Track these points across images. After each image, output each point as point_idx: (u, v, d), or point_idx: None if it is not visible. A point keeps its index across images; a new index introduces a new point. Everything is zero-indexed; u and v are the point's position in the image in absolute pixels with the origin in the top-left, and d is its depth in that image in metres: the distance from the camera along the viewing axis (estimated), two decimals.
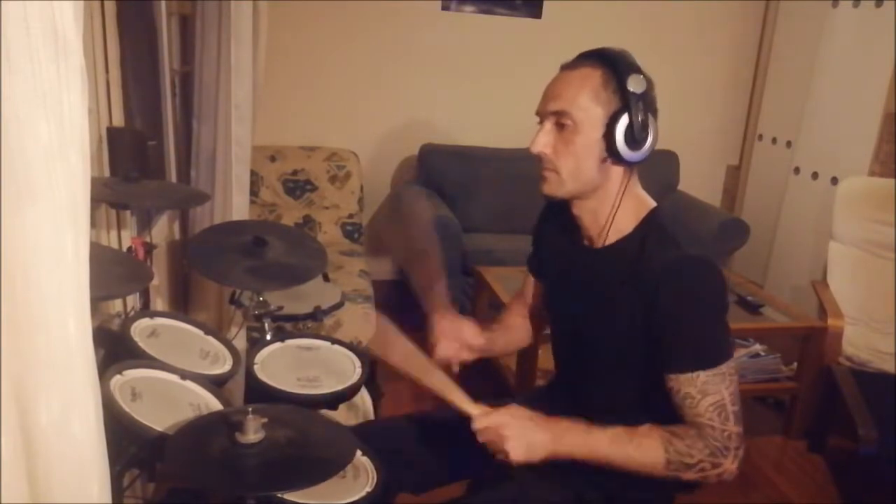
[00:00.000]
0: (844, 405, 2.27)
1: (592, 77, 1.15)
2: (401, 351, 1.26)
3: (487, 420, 1.16)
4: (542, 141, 1.18)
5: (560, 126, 1.17)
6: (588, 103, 1.15)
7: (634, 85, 1.13)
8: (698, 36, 3.97)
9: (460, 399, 1.21)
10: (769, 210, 3.88)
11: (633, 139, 1.14)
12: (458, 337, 1.39)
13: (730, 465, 1.12)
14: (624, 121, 1.14)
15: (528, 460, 1.13)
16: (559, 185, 1.20)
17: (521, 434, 1.13)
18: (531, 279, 1.53)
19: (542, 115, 1.20)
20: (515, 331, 1.54)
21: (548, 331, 1.47)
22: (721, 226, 3.48)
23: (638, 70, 1.15)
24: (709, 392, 1.12)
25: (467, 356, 1.40)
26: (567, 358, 1.40)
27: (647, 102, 1.15)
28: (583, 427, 1.16)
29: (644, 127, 1.14)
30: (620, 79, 1.14)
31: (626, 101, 1.13)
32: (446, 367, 1.34)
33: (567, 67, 1.19)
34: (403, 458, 1.33)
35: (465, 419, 1.43)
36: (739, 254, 3.77)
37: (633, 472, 1.15)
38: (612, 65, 1.15)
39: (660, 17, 3.84)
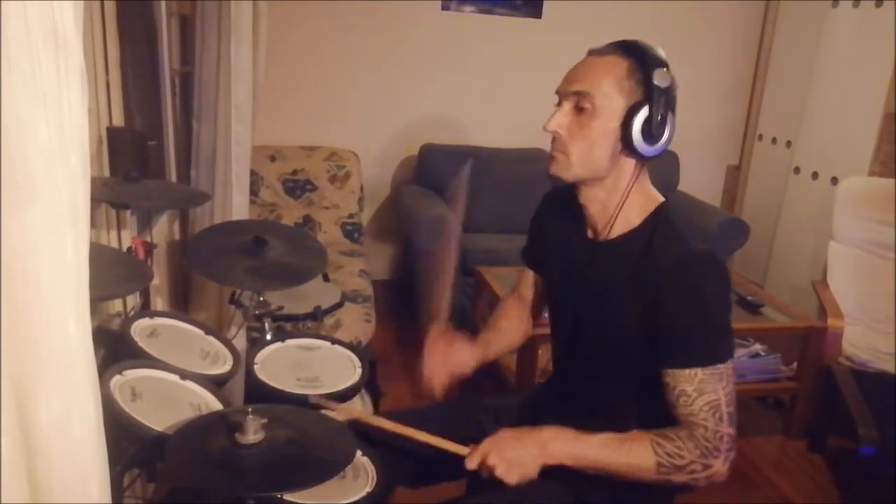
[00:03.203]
0: (844, 405, 2.27)
1: (619, 65, 1.15)
2: (386, 420, 1.27)
3: (475, 456, 1.17)
4: (558, 121, 1.18)
5: (579, 109, 1.16)
6: (611, 90, 1.14)
7: (660, 79, 1.13)
8: (698, 36, 3.97)
9: (449, 445, 1.22)
10: (769, 210, 3.88)
11: (650, 133, 1.14)
12: (448, 365, 1.37)
13: (720, 467, 1.12)
14: (644, 113, 1.13)
15: (523, 479, 1.15)
16: (566, 167, 1.19)
17: (505, 458, 1.15)
18: (528, 274, 1.51)
19: (561, 94, 1.19)
20: (508, 333, 1.52)
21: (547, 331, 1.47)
22: (721, 226, 3.48)
23: (665, 65, 1.15)
24: (705, 391, 1.11)
25: (461, 377, 1.39)
26: (567, 351, 1.38)
27: (668, 99, 1.14)
28: (570, 434, 1.17)
29: (663, 122, 1.14)
30: (646, 71, 1.13)
31: (649, 94, 1.13)
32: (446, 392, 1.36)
33: (595, 53, 1.19)
34: (400, 451, 1.33)
35: (463, 414, 1.45)
36: (739, 254, 3.77)
37: (623, 476, 1.15)
38: (641, 56, 1.14)
39: (660, 17, 3.84)
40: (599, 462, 1.15)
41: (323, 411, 1.24)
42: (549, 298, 1.42)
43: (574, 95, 1.17)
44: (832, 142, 3.48)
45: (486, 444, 1.17)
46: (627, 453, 1.14)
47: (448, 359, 1.37)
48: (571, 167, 1.19)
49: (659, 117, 1.13)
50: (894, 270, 2.78)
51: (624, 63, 1.15)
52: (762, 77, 4.05)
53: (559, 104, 1.19)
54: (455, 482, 1.44)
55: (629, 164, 1.19)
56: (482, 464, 1.16)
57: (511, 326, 1.52)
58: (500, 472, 1.14)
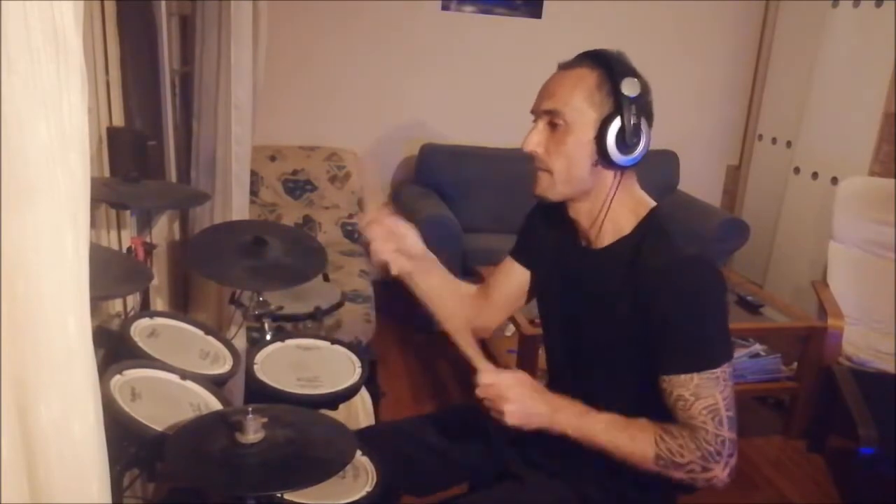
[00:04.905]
0: (844, 405, 2.27)
1: (588, 78, 1.15)
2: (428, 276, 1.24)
3: (493, 378, 1.14)
4: (534, 140, 1.18)
5: (553, 126, 1.17)
6: (581, 104, 1.14)
7: (628, 89, 1.12)
8: (698, 36, 3.97)
9: (472, 352, 1.19)
10: (769, 210, 3.88)
11: (625, 143, 1.14)
12: (395, 238, 1.29)
13: (720, 473, 1.11)
14: (616, 124, 1.13)
15: (521, 426, 1.13)
16: (551, 186, 1.19)
17: (521, 400, 1.13)
18: (503, 273, 1.45)
19: (536, 113, 1.20)
20: (458, 291, 1.45)
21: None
22: (721, 226, 3.48)
23: (634, 73, 1.15)
24: (702, 395, 1.11)
25: (404, 264, 1.29)
26: (561, 359, 1.38)
27: (640, 107, 1.14)
28: (580, 408, 1.16)
29: (636, 131, 1.14)
30: (615, 82, 1.13)
31: (619, 105, 1.13)
32: (383, 268, 1.28)
33: (564, 67, 1.19)
34: (405, 461, 1.33)
35: (466, 418, 1.44)
36: (739, 254, 3.77)
37: (620, 459, 1.14)
38: (608, 67, 1.14)
39: (660, 17, 3.84)
40: (600, 441, 1.14)
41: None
42: (542, 306, 1.41)
43: (546, 113, 1.17)
44: (832, 142, 3.48)
45: (508, 377, 1.14)
46: (629, 439, 1.13)
47: (394, 229, 1.30)
48: (555, 185, 1.19)
49: (632, 126, 1.13)
50: (894, 270, 2.78)
51: (593, 75, 1.15)
52: (762, 77, 4.05)
53: (535, 122, 1.20)
54: (458, 487, 1.44)
55: (609, 174, 1.19)
56: (493, 388, 1.13)
57: (459, 287, 1.46)
58: (508, 409, 1.12)
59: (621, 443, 1.13)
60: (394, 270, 1.28)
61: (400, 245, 1.29)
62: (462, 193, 3.58)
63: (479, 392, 1.14)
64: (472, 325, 1.46)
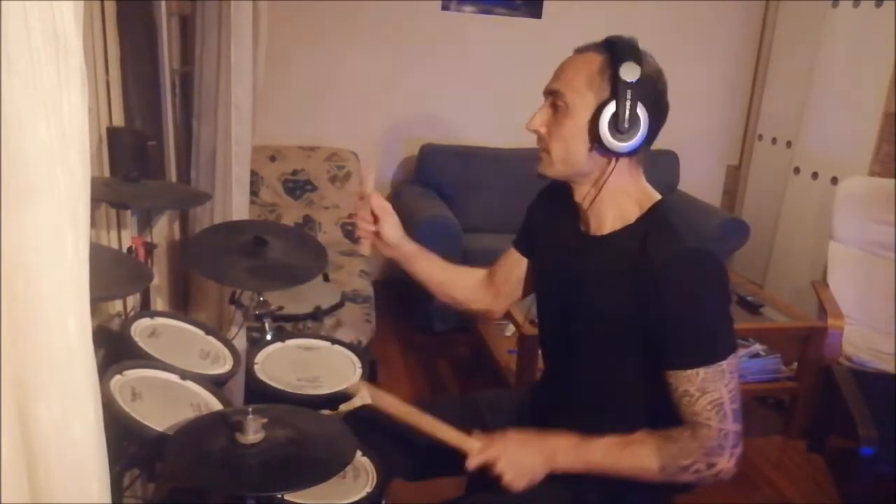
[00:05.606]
0: (844, 405, 2.27)
1: (593, 62, 1.15)
2: (391, 402, 1.26)
3: (481, 457, 1.17)
4: (538, 120, 1.20)
5: (555, 107, 1.18)
6: (582, 87, 1.15)
7: (626, 73, 1.11)
8: (698, 36, 3.97)
9: (453, 436, 1.21)
10: (769, 210, 3.88)
11: (618, 129, 1.12)
12: (377, 219, 1.37)
13: (726, 464, 1.11)
14: (611, 109, 1.12)
15: (529, 485, 1.15)
16: (549, 164, 1.21)
17: (514, 464, 1.15)
18: (506, 261, 1.47)
19: (545, 93, 1.21)
20: (450, 271, 1.49)
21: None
22: (721, 226, 3.48)
23: (636, 59, 1.12)
24: (707, 390, 1.11)
25: (379, 240, 1.39)
26: (557, 346, 1.37)
27: (642, 93, 1.12)
28: (575, 441, 1.17)
29: (633, 117, 1.12)
30: (615, 66, 1.12)
31: (615, 89, 1.12)
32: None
33: (577, 51, 1.20)
34: (396, 443, 1.32)
35: (463, 409, 1.44)
36: (739, 254, 3.77)
37: (628, 478, 1.15)
38: (613, 52, 1.14)
39: (659, 17, 3.84)
40: (603, 466, 1.15)
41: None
42: (540, 293, 1.40)
43: (551, 94, 1.18)
44: (832, 142, 3.48)
45: (494, 448, 1.16)
46: (630, 457, 1.14)
47: (378, 211, 1.38)
48: (553, 164, 1.20)
49: (627, 112, 1.11)
50: (894, 270, 2.78)
51: (598, 59, 1.15)
52: (762, 77, 4.05)
53: (545, 102, 1.21)
54: (454, 477, 1.44)
55: (610, 160, 1.18)
56: (486, 464, 1.15)
57: (460, 275, 1.50)
58: (508, 479, 1.14)
59: (625, 463, 1.14)
60: (365, 250, 1.42)
61: (378, 228, 1.38)
62: (462, 193, 3.58)
63: (474, 468, 1.17)
64: (480, 309, 1.51)
